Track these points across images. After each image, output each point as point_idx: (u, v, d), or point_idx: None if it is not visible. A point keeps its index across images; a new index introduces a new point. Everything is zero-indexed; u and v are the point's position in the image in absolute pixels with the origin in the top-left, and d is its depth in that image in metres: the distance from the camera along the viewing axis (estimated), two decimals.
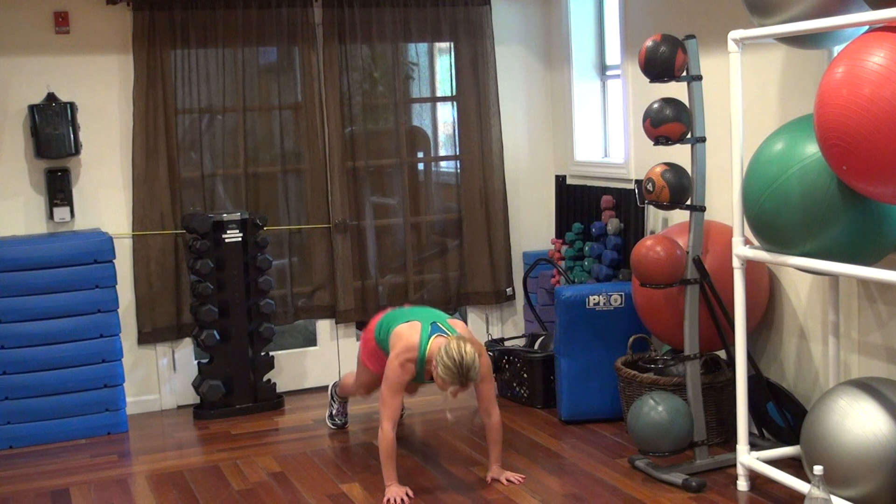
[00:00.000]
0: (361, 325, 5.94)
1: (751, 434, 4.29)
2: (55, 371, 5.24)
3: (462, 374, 4.11)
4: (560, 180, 6.35)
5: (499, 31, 6.27)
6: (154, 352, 5.79)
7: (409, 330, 4.35)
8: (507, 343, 5.92)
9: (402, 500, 4.23)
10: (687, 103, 4.30)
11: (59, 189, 5.49)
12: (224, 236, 5.55)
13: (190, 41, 5.67)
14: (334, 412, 5.18)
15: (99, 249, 5.29)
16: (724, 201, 4.49)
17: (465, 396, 5.75)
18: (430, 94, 6.33)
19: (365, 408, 5.47)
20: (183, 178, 5.77)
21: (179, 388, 5.85)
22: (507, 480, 4.38)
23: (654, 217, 5.48)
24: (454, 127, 6.30)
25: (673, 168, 4.31)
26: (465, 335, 4.31)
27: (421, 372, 4.35)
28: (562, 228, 6.23)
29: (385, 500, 4.25)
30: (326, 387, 6.05)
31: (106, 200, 5.66)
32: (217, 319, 5.54)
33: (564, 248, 6.07)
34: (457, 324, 4.44)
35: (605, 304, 5.07)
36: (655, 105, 4.26)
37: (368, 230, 6.10)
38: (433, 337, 4.29)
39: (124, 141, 5.65)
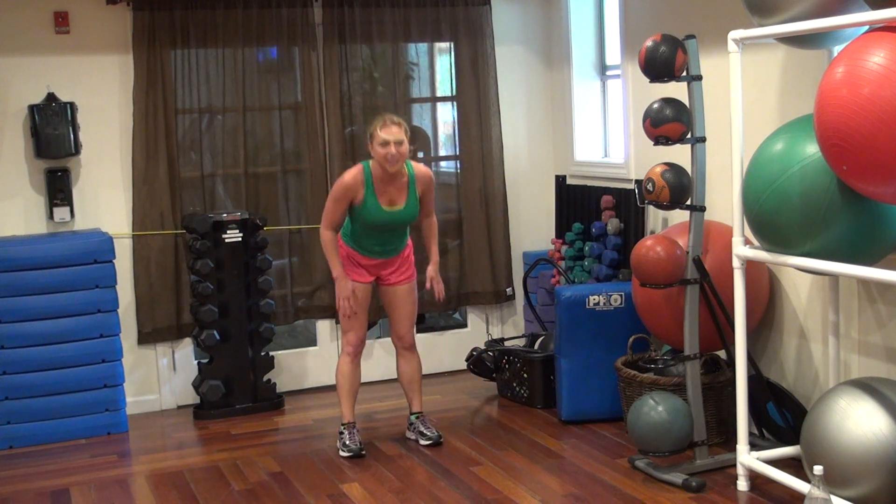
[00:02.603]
0: None
1: (751, 434, 4.29)
2: (55, 371, 5.24)
3: (387, 118, 4.71)
4: (560, 180, 6.35)
5: (499, 31, 6.26)
6: (154, 352, 5.79)
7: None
8: (507, 343, 5.92)
9: (349, 305, 4.79)
10: (687, 103, 4.30)
11: (59, 189, 5.49)
12: (224, 236, 5.55)
13: (190, 41, 5.67)
14: (347, 440, 4.90)
15: (99, 249, 5.29)
16: (724, 201, 4.49)
17: (464, 396, 5.76)
18: (430, 94, 6.33)
19: (365, 407, 5.47)
20: (183, 178, 5.77)
21: (179, 388, 5.85)
22: (433, 285, 4.96)
23: (654, 217, 5.48)
24: (454, 127, 6.30)
25: (673, 168, 4.31)
26: None
27: (370, 183, 4.74)
28: (562, 228, 6.23)
29: (338, 298, 4.81)
30: (326, 387, 6.07)
31: (106, 200, 5.66)
32: (217, 319, 5.54)
33: (564, 248, 6.07)
34: None
35: (605, 304, 5.07)
36: (655, 105, 4.26)
37: None
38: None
39: (124, 141, 5.65)
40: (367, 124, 4.89)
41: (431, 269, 5.00)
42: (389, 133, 4.65)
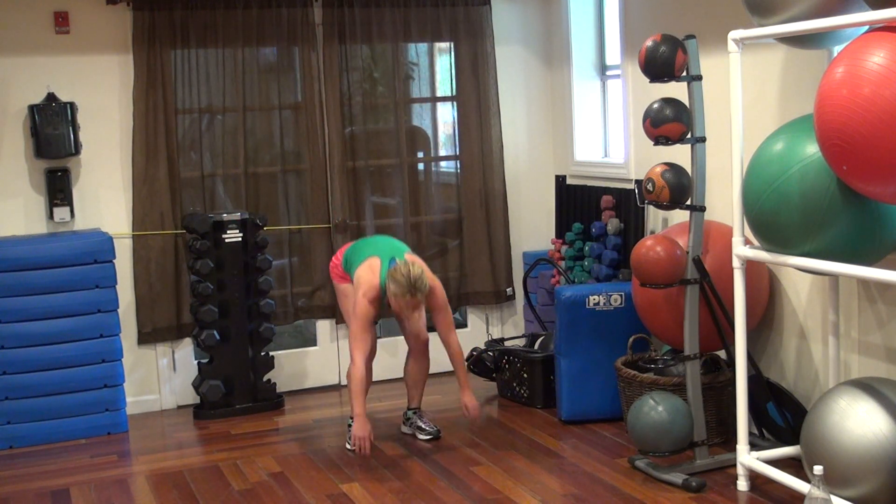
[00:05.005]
0: None
1: (751, 434, 4.29)
2: (55, 371, 5.24)
3: (410, 285, 4.53)
4: (560, 180, 6.35)
5: (499, 31, 6.26)
6: (154, 352, 5.79)
7: (369, 271, 4.72)
8: (507, 343, 5.92)
9: (365, 447, 4.57)
10: (687, 103, 4.30)
11: (59, 189, 5.49)
12: (224, 236, 5.55)
13: (190, 41, 5.67)
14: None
15: (99, 249, 5.29)
16: (724, 201, 4.49)
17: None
18: (430, 94, 6.33)
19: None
20: (183, 178, 5.77)
21: (179, 388, 5.85)
22: (466, 408, 4.82)
23: (654, 217, 5.48)
24: (454, 127, 6.30)
25: (673, 168, 4.31)
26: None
27: (383, 304, 4.72)
28: (562, 228, 6.23)
29: (352, 436, 4.63)
30: (326, 387, 6.08)
31: (106, 200, 5.66)
32: (217, 319, 5.54)
33: (564, 248, 6.07)
34: (414, 259, 4.73)
35: (605, 304, 5.07)
36: (655, 105, 4.26)
37: (368, 230, 6.09)
38: (390, 269, 4.62)
39: (124, 141, 5.65)
40: (392, 276, 4.57)
41: (466, 398, 4.85)
42: (409, 303, 4.59)
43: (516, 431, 5.13)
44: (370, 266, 4.74)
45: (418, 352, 5.05)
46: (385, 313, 5.01)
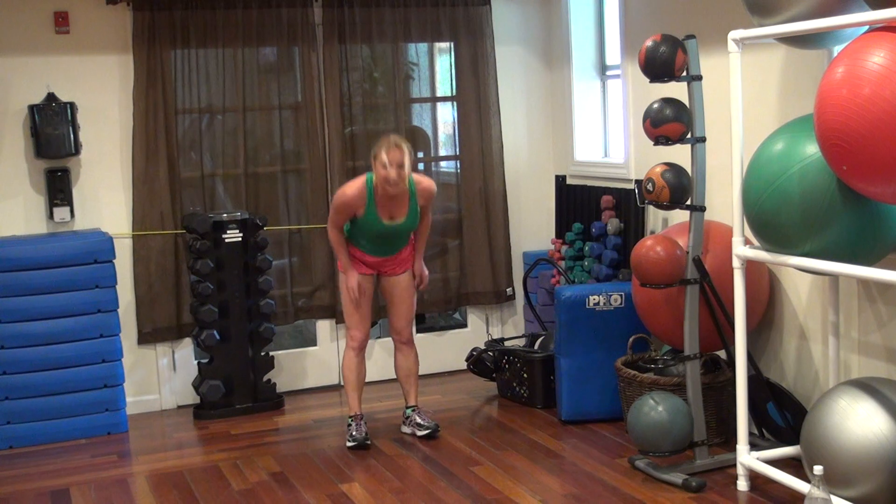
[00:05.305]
0: None
1: (751, 434, 4.29)
2: (55, 371, 5.24)
3: (391, 141, 4.70)
4: (560, 180, 6.35)
5: (499, 31, 6.26)
6: (154, 352, 5.79)
7: (357, 177, 4.95)
8: (507, 343, 5.92)
9: (355, 292, 4.89)
10: (687, 103, 4.30)
11: (59, 189, 5.49)
12: (224, 236, 5.55)
13: (190, 41, 5.67)
14: (354, 431, 4.97)
15: (99, 249, 5.29)
16: (724, 201, 4.49)
17: (464, 396, 5.77)
18: (430, 94, 6.33)
19: (365, 407, 5.46)
20: (183, 178, 5.77)
21: (179, 388, 5.85)
22: (417, 275, 5.10)
23: (654, 217, 5.48)
24: (454, 127, 6.30)
25: (673, 168, 4.31)
26: None
27: (371, 198, 4.79)
28: (562, 228, 6.23)
29: (342, 286, 4.95)
30: (326, 387, 6.08)
31: (106, 200, 5.66)
32: (217, 319, 5.54)
33: (564, 248, 6.07)
34: None
35: (605, 304, 5.07)
36: (655, 105, 4.26)
37: None
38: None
39: (124, 141, 5.65)
40: (373, 144, 4.85)
41: (417, 266, 5.11)
42: (391, 157, 4.67)
43: (516, 431, 5.13)
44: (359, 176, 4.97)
45: (403, 345, 5.12)
46: (376, 225, 4.89)
